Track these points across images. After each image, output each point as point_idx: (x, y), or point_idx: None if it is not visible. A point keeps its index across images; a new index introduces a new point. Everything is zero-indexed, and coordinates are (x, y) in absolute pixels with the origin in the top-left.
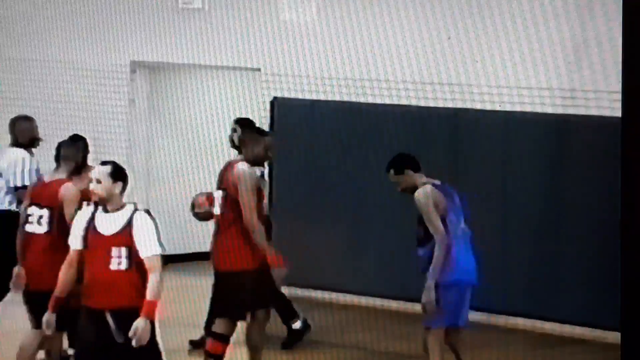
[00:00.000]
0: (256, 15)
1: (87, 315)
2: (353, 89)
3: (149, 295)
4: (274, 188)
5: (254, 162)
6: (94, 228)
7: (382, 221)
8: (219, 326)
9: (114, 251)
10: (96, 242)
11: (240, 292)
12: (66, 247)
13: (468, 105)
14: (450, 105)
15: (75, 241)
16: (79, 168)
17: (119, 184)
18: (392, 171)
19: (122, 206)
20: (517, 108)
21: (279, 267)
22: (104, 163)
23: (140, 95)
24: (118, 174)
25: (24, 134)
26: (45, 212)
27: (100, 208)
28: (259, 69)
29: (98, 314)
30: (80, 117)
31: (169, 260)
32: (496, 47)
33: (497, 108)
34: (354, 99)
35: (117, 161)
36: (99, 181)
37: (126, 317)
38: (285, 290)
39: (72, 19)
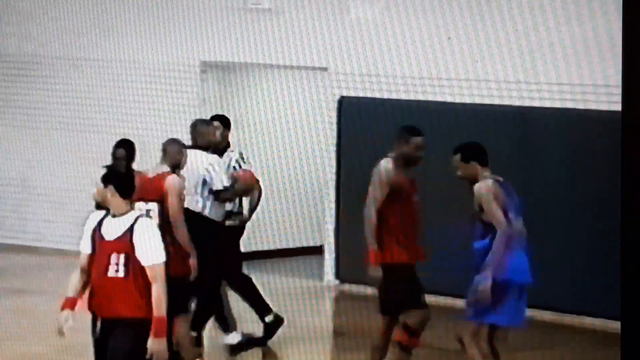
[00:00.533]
0: (324, 14)
1: (92, 321)
2: (420, 87)
3: (154, 311)
4: (341, 187)
5: (405, 162)
6: (100, 232)
7: (441, 217)
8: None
9: (113, 257)
10: (99, 247)
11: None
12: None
13: (535, 104)
14: (517, 103)
15: (84, 245)
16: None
17: (110, 188)
18: (458, 156)
19: (126, 211)
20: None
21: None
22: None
23: (211, 95)
24: (108, 178)
25: (204, 137)
26: (154, 206)
27: (110, 212)
28: (326, 68)
29: (95, 319)
30: (152, 117)
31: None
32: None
33: (562, 105)
34: (421, 97)
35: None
36: (97, 185)
37: (117, 327)
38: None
39: (143, 20)
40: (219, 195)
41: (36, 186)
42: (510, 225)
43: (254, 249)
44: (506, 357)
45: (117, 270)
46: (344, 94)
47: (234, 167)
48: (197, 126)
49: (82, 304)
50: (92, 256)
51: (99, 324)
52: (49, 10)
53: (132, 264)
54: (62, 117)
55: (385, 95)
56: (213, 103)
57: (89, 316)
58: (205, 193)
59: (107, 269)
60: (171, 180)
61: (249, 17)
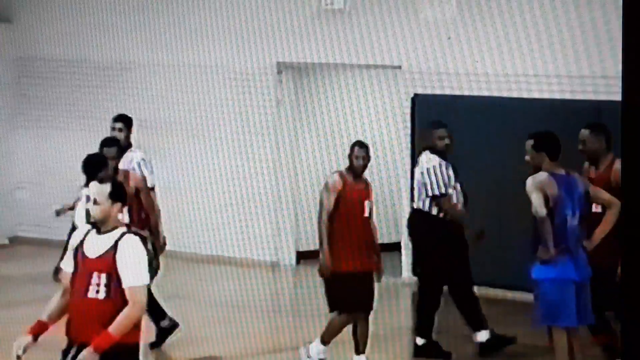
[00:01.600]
0: (396, 13)
1: (65, 350)
2: (494, 84)
3: (112, 326)
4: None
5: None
6: (82, 249)
7: (514, 213)
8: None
9: (94, 277)
10: (81, 265)
11: None
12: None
13: (612, 98)
14: (592, 97)
15: (67, 263)
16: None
17: (118, 205)
18: (532, 142)
19: (114, 227)
20: None
21: None
22: (101, 180)
23: (287, 95)
24: (117, 194)
25: (438, 141)
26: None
27: (96, 229)
28: (399, 67)
29: (70, 347)
30: (232, 119)
31: (310, 256)
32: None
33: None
34: (494, 93)
35: (265, 161)
36: (95, 202)
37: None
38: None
39: (220, 24)
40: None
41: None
42: (553, 222)
43: None
44: None
45: (97, 291)
46: (418, 91)
47: (133, 168)
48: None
49: (55, 329)
50: (73, 275)
51: (72, 352)
52: (127, 13)
53: (114, 285)
54: (144, 121)
55: (459, 92)
56: (288, 103)
57: (61, 343)
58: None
59: (87, 290)
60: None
61: (322, 18)
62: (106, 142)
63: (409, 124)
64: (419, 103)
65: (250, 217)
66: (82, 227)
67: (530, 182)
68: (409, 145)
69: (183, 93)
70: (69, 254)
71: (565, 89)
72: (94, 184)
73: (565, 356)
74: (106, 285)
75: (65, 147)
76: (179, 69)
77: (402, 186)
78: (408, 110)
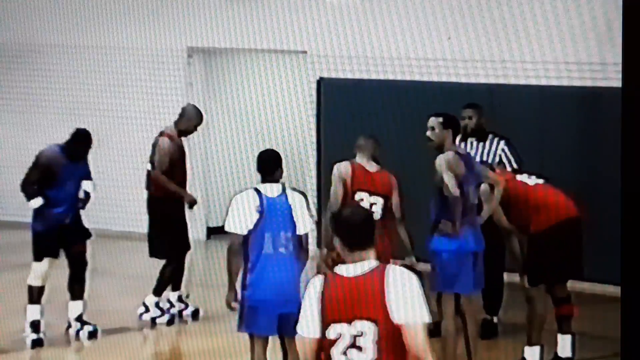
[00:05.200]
0: (302, 0)
1: None
2: (397, 67)
3: None
4: (322, 166)
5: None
6: None
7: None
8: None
9: None
10: None
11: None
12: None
13: (501, 81)
14: (483, 80)
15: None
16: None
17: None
18: (440, 119)
19: None
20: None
21: None
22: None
23: (197, 79)
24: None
25: None
26: (379, 200)
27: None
28: (305, 52)
29: None
30: (141, 100)
31: (220, 232)
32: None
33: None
34: (398, 77)
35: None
36: None
37: None
38: None
39: (131, 8)
40: None
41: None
42: (463, 197)
43: None
44: None
45: None
46: (323, 75)
47: None
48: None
49: None
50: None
51: None
52: None
53: None
54: (52, 103)
55: (363, 76)
56: (199, 87)
57: None
58: None
59: None
60: (394, 178)
61: (232, 4)
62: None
63: (314, 107)
64: (324, 86)
65: None
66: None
67: (440, 160)
68: (315, 127)
69: (94, 75)
70: None
71: (462, 72)
72: None
73: (452, 319)
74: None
75: None
76: (91, 51)
77: (310, 169)
78: (314, 94)
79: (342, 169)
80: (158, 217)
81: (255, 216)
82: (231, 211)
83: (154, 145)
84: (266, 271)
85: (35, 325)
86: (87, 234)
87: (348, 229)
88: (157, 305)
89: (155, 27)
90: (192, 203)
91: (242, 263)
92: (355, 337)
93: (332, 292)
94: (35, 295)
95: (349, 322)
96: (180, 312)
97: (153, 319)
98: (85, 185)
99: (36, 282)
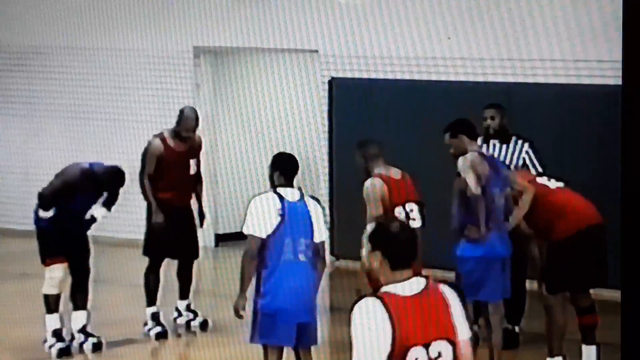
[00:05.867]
0: None
1: None
2: (407, 67)
3: None
4: (334, 167)
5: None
6: None
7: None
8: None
9: None
10: None
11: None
12: None
13: (520, 80)
14: (501, 79)
15: None
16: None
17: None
18: (448, 134)
19: None
20: None
21: None
22: None
23: (205, 80)
24: None
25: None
26: (414, 207)
27: None
28: (316, 51)
29: None
30: (148, 102)
31: (229, 239)
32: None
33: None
34: (409, 77)
35: None
36: None
37: None
38: None
39: (137, 8)
40: None
41: (36, 174)
42: (486, 199)
43: None
44: None
45: None
46: (335, 75)
47: None
48: None
49: None
50: None
51: None
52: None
53: None
54: (59, 106)
55: (375, 76)
56: (207, 88)
57: None
58: None
59: None
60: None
61: (240, 2)
62: None
63: (326, 107)
64: (335, 86)
65: None
66: None
67: (462, 161)
68: (327, 128)
69: (100, 77)
70: None
71: (477, 71)
72: None
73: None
74: None
75: None
76: (96, 53)
77: (319, 170)
78: (325, 94)
79: (377, 186)
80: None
81: (276, 220)
82: (250, 213)
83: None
84: (286, 278)
85: (58, 334)
86: (88, 247)
87: (397, 246)
88: (153, 316)
89: (160, 27)
90: (157, 225)
91: (255, 270)
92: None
93: (400, 314)
94: (52, 304)
95: (426, 344)
96: (188, 322)
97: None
98: (96, 209)
99: (52, 291)
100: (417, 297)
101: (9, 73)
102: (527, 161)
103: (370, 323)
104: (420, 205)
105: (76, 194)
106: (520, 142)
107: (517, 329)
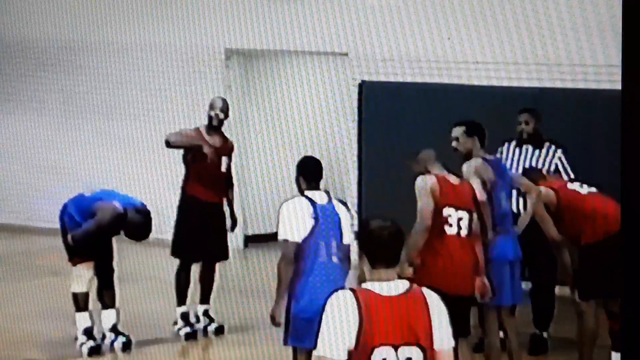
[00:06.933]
0: (342, 1)
1: None
2: (437, 70)
3: None
4: (362, 170)
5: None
6: None
7: None
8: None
9: None
10: None
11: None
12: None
13: (548, 85)
14: (529, 84)
15: None
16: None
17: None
18: (464, 128)
19: None
20: None
21: None
22: None
23: (235, 82)
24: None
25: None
26: (465, 215)
27: None
28: (346, 54)
29: None
30: (179, 102)
31: (258, 240)
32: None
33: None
34: (441, 80)
35: None
36: None
37: None
38: None
39: (170, 8)
40: None
41: (66, 172)
42: (492, 208)
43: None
44: None
45: None
46: (365, 78)
47: None
48: None
49: None
50: None
51: None
52: None
53: None
54: (91, 104)
55: (404, 79)
56: (237, 89)
57: None
58: None
59: None
60: (473, 189)
61: (271, 5)
62: None
63: (356, 111)
64: (365, 89)
65: None
66: None
67: (466, 168)
68: (357, 131)
69: (128, 76)
70: None
71: (505, 76)
72: None
73: (497, 332)
74: None
75: (6, 131)
76: (128, 51)
77: (350, 173)
78: (355, 97)
79: (428, 180)
80: (183, 215)
81: (310, 223)
82: (283, 219)
83: None
84: (320, 280)
85: (89, 332)
86: (112, 247)
87: (374, 243)
88: (183, 316)
89: (193, 28)
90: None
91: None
92: None
93: (372, 311)
94: (81, 302)
95: (395, 346)
96: (205, 327)
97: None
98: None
99: (80, 289)
100: (395, 298)
101: (41, 70)
102: (560, 167)
103: (338, 314)
104: (471, 215)
105: (107, 235)
106: (553, 147)
107: (545, 334)
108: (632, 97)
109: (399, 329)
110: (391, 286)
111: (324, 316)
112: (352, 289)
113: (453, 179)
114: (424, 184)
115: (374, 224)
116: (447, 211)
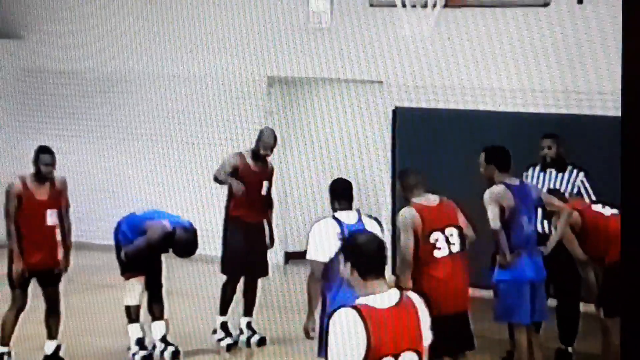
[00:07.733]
0: (377, 31)
1: None
2: (470, 97)
3: None
4: (396, 196)
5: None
6: None
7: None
8: None
9: None
10: None
11: None
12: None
13: (575, 111)
14: (554, 111)
15: None
16: None
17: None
18: (483, 155)
19: None
20: None
21: None
22: None
23: (276, 107)
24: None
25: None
26: (454, 231)
27: None
28: (381, 81)
29: None
30: (221, 129)
31: (297, 257)
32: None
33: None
34: (474, 106)
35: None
36: None
37: None
38: None
39: (214, 38)
40: None
41: (118, 192)
42: (509, 234)
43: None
44: None
45: None
46: (398, 105)
47: None
48: None
49: None
50: None
51: None
52: (126, 27)
53: None
54: (141, 130)
55: (437, 106)
56: (278, 115)
57: None
58: None
59: None
60: (453, 203)
61: (310, 36)
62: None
63: (390, 136)
64: (399, 116)
65: None
66: None
67: (487, 195)
68: (390, 157)
69: (177, 104)
70: None
71: (540, 102)
72: None
73: (524, 350)
74: None
75: (69, 155)
76: (174, 81)
77: (384, 199)
78: (389, 123)
79: (407, 215)
80: (228, 235)
81: (337, 244)
82: (312, 240)
83: None
84: (352, 294)
85: (141, 342)
86: (161, 263)
87: (363, 256)
88: (222, 326)
89: (237, 57)
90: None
91: (321, 291)
92: None
93: (374, 325)
94: (133, 314)
95: (396, 355)
96: (248, 339)
97: (219, 340)
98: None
99: (133, 302)
100: (393, 309)
101: (104, 100)
102: (582, 189)
103: (346, 332)
104: (460, 230)
105: (157, 252)
106: (575, 171)
107: (570, 349)
108: (631, 125)
109: (400, 337)
110: (385, 298)
111: (330, 334)
112: (354, 307)
113: (432, 200)
114: (404, 218)
115: (361, 238)
116: (434, 236)
